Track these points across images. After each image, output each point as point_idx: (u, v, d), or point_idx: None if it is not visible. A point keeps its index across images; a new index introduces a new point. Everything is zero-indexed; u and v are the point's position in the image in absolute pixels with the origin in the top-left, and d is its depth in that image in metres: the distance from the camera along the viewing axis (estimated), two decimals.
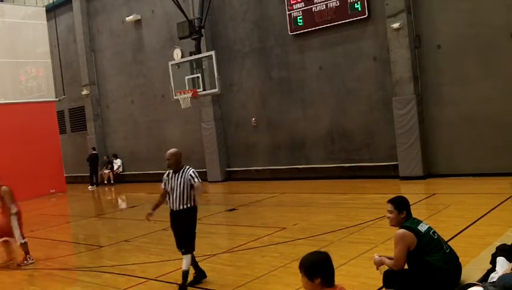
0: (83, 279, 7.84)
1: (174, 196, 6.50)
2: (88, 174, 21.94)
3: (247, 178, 17.34)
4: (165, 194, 6.70)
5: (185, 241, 6.48)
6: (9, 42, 19.41)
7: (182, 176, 6.51)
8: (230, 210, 12.43)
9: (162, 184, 6.71)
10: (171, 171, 6.62)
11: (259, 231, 9.43)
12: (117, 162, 22.13)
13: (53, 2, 22.80)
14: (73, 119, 24.39)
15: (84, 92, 22.72)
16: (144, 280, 7.10)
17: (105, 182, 22.00)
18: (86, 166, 22.03)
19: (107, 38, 22.12)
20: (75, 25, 22.97)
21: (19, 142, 18.62)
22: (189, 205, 6.52)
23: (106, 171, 22.12)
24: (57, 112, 21.45)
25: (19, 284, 7.83)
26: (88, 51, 22.73)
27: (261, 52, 16.83)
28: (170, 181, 6.57)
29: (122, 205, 17.66)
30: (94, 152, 22.12)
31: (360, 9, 14.20)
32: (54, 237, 11.61)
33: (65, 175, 21.17)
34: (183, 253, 6.46)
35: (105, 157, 22.47)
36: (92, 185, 21.73)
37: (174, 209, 6.56)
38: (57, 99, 20.78)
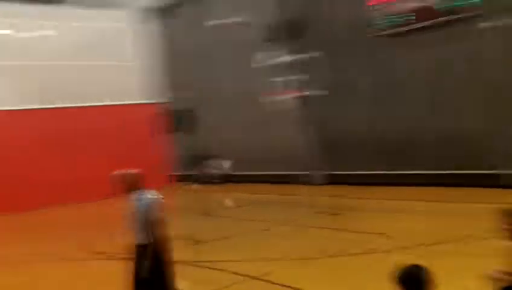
0: (184, 273, 8.08)
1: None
2: (193, 173, 22.67)
3: (350, 182, 16.99)
4: None
5: None
6: (111, 46, 20.56)
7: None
8: (332, 214, 12.26)
9: None
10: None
11: (361, 237, 9.20)
12: (222, 163, 22.67)
13: (159, 6, 23.96)
14: (180, 120, 25.32)
15: (191, 94, 23.54)
16: (242, 277, 7.18)
17: (212, 181, 22.60)
18: (192, 165, 22.79)
19: (212, 40, 22.68)
20: (181, 28, 23.86)
21: (127, 141, 19.84)
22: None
23: (213, 170, 22.72)
24: (164, 113, 22.42)
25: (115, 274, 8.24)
26: (193, 54, 23.45)
27: (369, 51, 16.39)
28: None
29: (226, 204, 18.05)
30: (199, 152, 22.82)
31: None
32: None
33: (171, 174, 22.04)
34: None
35: (210, 157, 23.12)
36: (198, 184, 22.42)
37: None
38: (163, 100, 21.71)
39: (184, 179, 23.76)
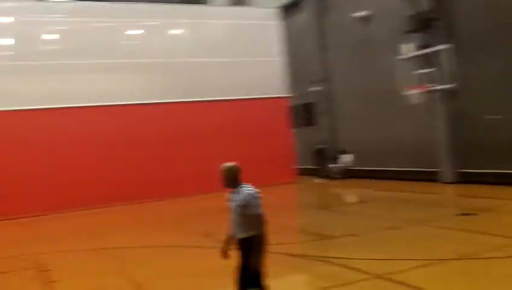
0: (307, 267, 8.06)
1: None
2: (316, 167, 22.66)
3: (484, 181, 15.79)
4: None
5: None
6: (242, 42, 21.04)
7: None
8: (463, 215, 11.48)
9: None
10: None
11: (496, 240, 8.49)
12: (346, 157, 22.33)
13: (284, 3, 24.11)
14: (304, 114, 25.44)
15: (315, 88, 23.51)
16: (368, 276, 6.97)
17: (334, 176, 22.41)
18: (314, 159, 22.80)
19: (337, 35, 22.47)
20: (306, 24, 23.91)
21: (254, 134, 20.26)
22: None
23: (335, 165, 22.53)
24: (290, 107, 22.57)
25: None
26: (318, 49, 23.46)
27: (503, 44, 15.09)
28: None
29: (350, 199, 17.78)
30: (322, 146, 22.74)
31: None
32: (282, 223, 12.21)
33: (296, 167, 22.16)
34: None
35: (334, 151, 22.93)
36: (320, 178, 22.37)
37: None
38: (289, 94, 21.88)
39: (307, 173, 23.80)
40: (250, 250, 5.04)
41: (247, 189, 5.16)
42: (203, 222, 12.97)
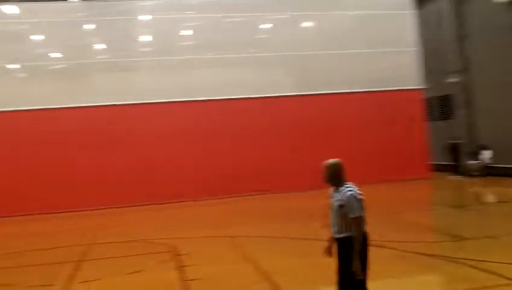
0: (440, 267, 7.69)
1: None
2: (452, 163, 21.45)
3: None
4: None
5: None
6: (374, 33, 20.39)
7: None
8: None
9: None
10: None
11: None
12: (485, 154, 20.84)
13: None
14: (439, 107, 24.20)
15: (452, 80, 22.20)
16: (508, 281, 6.47)
17: (472, 173, 21.02)
18: (449, 155, 21.60)
19: (477, 23, 20.99)
20: (443, 12, 22.60)
21: (386, 128, 19.69)
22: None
23: (473, 161, 21.12)
24: (423, 99, 21.59)
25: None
26: (456, 38, 22.08)
27: None
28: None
29: (488, 198, 16.62)
30: (458, 141, 21.44)
31: None
32: (413, 220, 11.78)
33: (430, 163, 21.15)
34: None
35: (473, 147, 21.51)
36: (456, 175, 21.15)
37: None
38: (423, 87, 20.90)
39: (442, 169, 22.64)
40: (349, 253, 4.83)
41: (349, 189, 4.93)
42: (324, 217, 12.89)
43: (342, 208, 4.88)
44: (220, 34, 19.47)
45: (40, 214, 16.82)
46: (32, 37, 19.34)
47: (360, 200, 4.88)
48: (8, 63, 19.08)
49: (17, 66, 19.30)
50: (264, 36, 20.85)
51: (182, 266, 8.53)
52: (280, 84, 19.86)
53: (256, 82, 19.42)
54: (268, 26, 21.09)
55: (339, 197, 4.92)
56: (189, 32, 20.35)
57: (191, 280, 7.65)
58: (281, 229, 11.52)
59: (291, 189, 18.28)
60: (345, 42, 20.32)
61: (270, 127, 19.31)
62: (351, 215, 4.83)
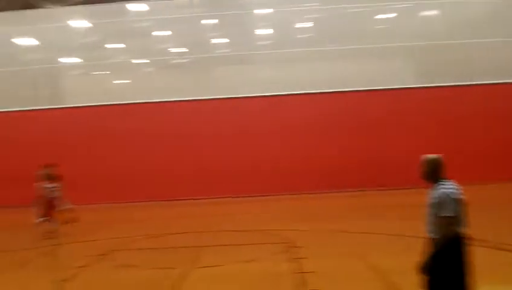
0: None
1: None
2: None
3: None
4: None
5: None
6: (505, 21, 18.72)
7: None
8: None
9: None
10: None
11: None
12: None
13: None
14: None
15: None
16: None
17: None
18: None
19: None
20: None
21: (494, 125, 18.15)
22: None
23: None
24: None
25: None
26: None
27: None
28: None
29: None
30: None
31: None
32: None
33: None
34: None
35: None
36: None
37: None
38: None
39: None
40: (444, 256, 4.52)
41: (446, 186, 4.61)
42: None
43: (435, 207, 4.63)
44: (340, 26, 19.06)
45: (176, 200, 17.64)
46: (155, 33, 20.31)
47: (455, 199, 4.57)
48: (136, 58, 20.26)
49: (145, 60, 20.38)
50: (386, 26, 20.03)
51: (297, 258, 8.56)
52: (402, 75, 19.06)
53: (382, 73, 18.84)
54: (391, 15, 20.26)
55: (434, 196, 4.68)
56: (309, 24, 20.23)
57: (307, 272, 7.63)
58: (397, 227, 11.03)
59: (410, 185, 17.44)
60: (474, 31, 18.72)
61: (391, 119, 18.57)
62: (441, 215, 4.56)
